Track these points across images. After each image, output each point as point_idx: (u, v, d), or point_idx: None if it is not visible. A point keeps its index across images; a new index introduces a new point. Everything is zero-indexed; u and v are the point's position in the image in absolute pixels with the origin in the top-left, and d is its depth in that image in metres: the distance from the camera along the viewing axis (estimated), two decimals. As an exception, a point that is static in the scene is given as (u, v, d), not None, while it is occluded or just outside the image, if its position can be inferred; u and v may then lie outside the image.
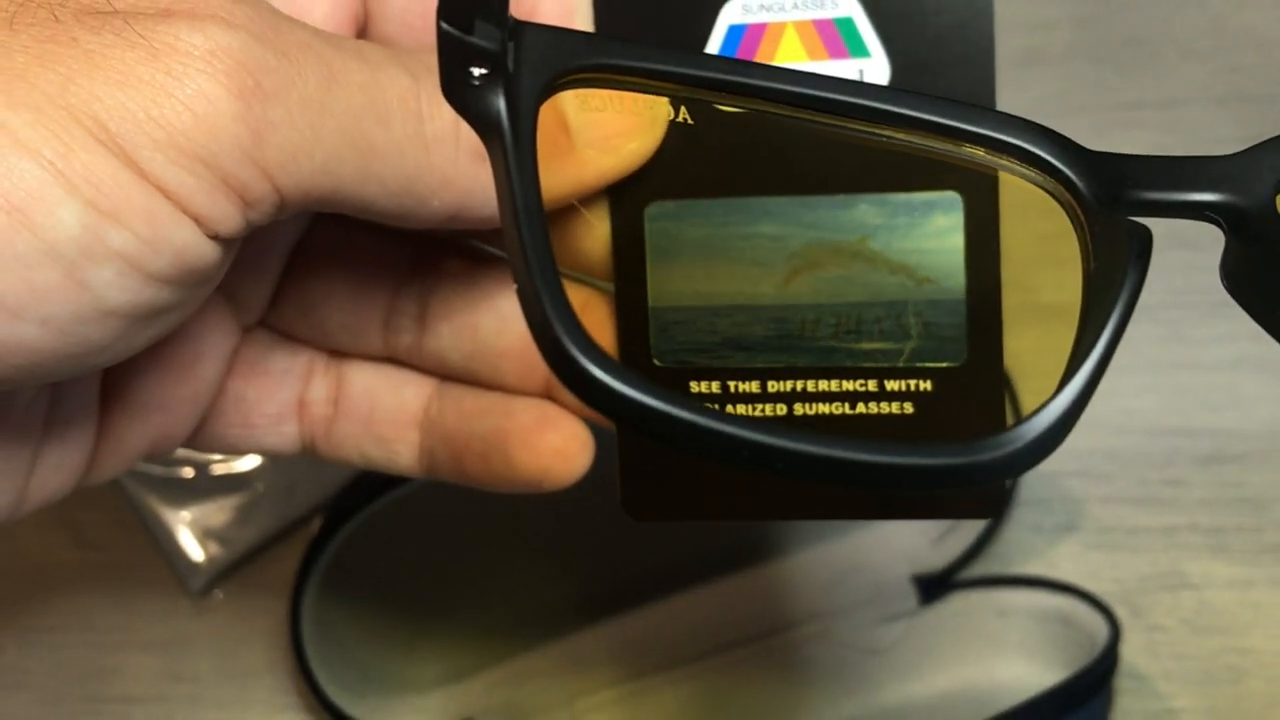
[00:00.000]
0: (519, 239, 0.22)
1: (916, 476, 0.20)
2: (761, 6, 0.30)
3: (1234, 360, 0.53)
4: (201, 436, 0.33)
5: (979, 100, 0.29)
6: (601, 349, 0.21)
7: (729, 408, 0.31)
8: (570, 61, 0.23)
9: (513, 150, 0.22)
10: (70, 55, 0.23)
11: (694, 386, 0.31)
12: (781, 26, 0.30)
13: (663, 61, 0.24)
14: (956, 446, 0.21)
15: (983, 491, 0.30)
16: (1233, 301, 0.55)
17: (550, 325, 0.21)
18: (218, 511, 0.53)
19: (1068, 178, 0.22)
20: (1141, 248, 0.22)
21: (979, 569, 0.51)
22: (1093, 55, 0.58)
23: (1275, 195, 0.22)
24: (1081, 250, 0.23)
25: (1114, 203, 0.22)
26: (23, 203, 0.22)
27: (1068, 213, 0.23)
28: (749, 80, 0.24)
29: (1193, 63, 0.57)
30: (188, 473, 0.53)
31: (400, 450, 0.33)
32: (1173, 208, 0.22)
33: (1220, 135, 0.56)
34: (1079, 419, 0.21)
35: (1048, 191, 0.23)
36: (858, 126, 0.24)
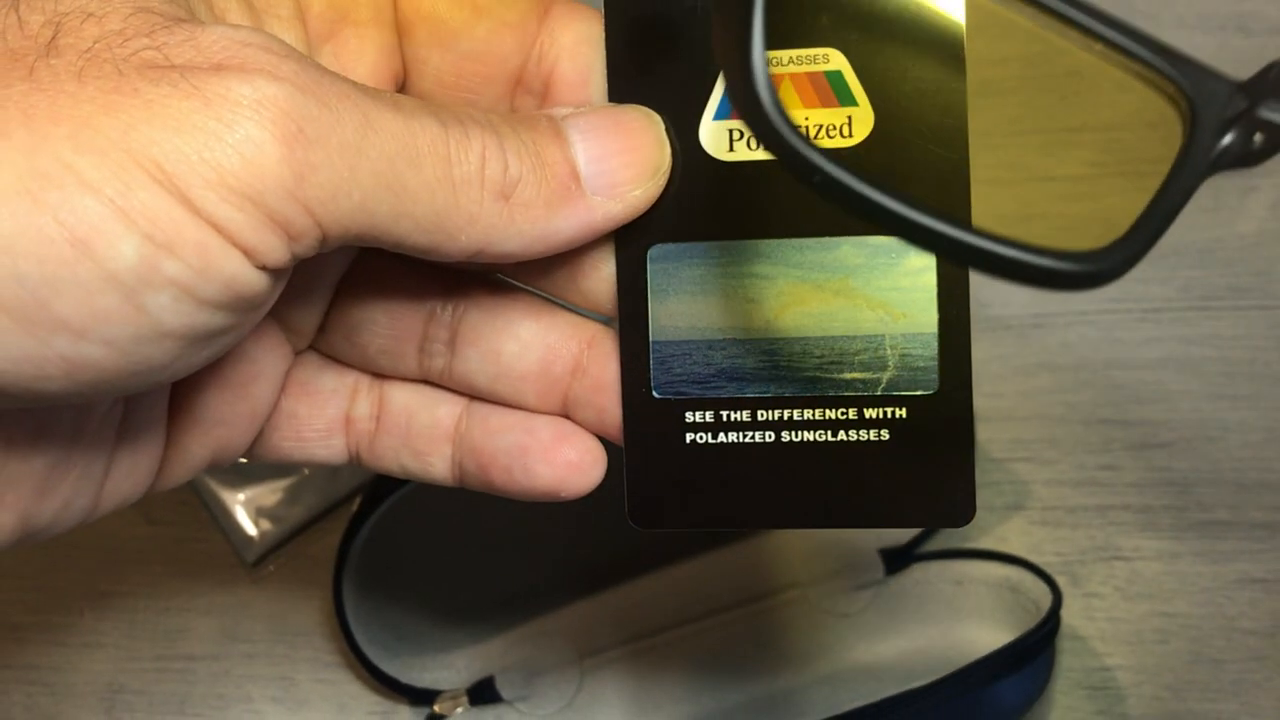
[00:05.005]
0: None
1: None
2: None
3: (1161, 360, 0.53)
4: (259, 448, 0.33)
5: (953, 141, 0.29)
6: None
7: (721, 436, 0.30)
8: None
9: None
10: (132, 105, 0.23)
11: (689, 416, 0.30)
12: (779, 79, 0.29)
13: None
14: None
15: (954, 503, 0.30)
16: (1161, 308, 0.55)
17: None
18: (270, 492, 0.53)
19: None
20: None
21: (938, 543, 0.51)
22: (1041, 86, 0.57)
23: None
24: None
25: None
26: (86, 236, 0.22)
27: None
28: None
29: (1126, 93, 0.57)
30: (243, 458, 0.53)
31: (434, 462, 0.32)
32: None
33: (1151, 155, 0.55)
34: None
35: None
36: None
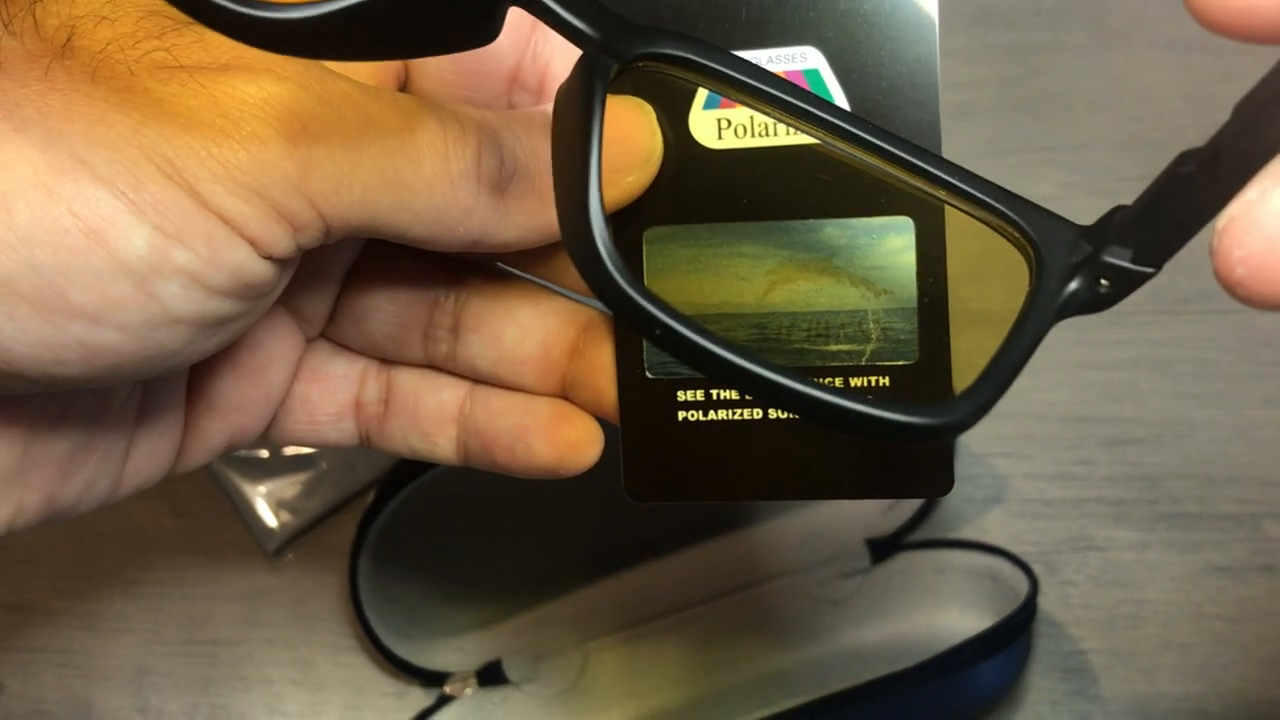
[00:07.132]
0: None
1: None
2: None
3: (1133, 360, 0.52)
4: (273, 432, 0.32)
5: (927, 138, 0.28)
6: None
7: (712, 413, 0.30)
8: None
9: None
10: (143, 103, 0.22)
11: (680, 395, 0.30)
12: None
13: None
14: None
15: (933, 474, 0.29)
16: (1132, 311, 0.55)
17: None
18: (289, 485, 0.52)
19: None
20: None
21: (922, 533, 0.51)
22: (1015, 107, 0.57)
23: None
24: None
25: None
26: (99, 226, 0.22)
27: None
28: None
29: (1098, 113, 0.56)
30: (263, 453, 0.52)
31: (440, 443, 0.32)
32: None
33: (1121, 174, 0.55)
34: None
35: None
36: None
